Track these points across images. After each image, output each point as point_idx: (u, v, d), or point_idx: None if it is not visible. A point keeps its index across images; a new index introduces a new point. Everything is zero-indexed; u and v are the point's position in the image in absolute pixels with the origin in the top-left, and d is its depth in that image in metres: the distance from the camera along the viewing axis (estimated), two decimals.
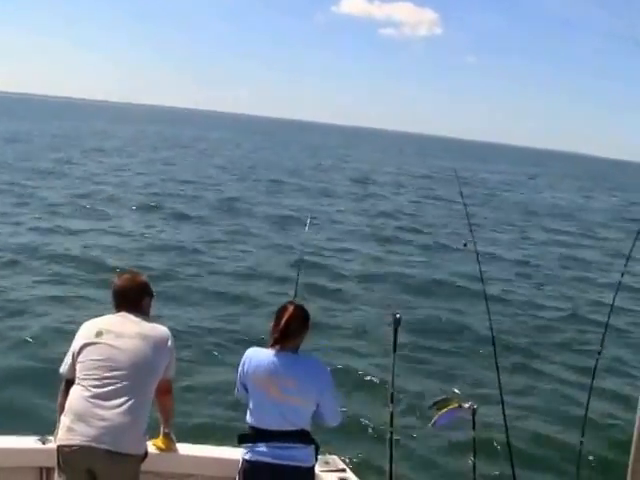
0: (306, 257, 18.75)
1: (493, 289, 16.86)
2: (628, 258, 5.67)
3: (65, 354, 4.27)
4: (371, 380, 10.38)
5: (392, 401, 4.88)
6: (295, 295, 5.31)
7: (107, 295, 13.72)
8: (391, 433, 4.83)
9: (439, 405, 4.57)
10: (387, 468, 4.78)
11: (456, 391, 7.92)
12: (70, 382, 4.18)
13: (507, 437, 4.81)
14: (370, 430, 8.60)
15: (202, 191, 33.15)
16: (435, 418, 4.58)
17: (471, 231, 5.47)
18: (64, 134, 71.83)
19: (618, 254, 26.19)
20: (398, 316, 4.87)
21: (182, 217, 25.21)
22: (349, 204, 34.18)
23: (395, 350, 4.89)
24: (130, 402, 4.01)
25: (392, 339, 4.90)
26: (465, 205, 5.74)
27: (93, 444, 3.92)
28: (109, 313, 4.38)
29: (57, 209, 24.10)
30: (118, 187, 31.60)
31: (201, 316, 13.25)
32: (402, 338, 5.05)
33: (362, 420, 8.78)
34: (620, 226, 37.40)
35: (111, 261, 16.77)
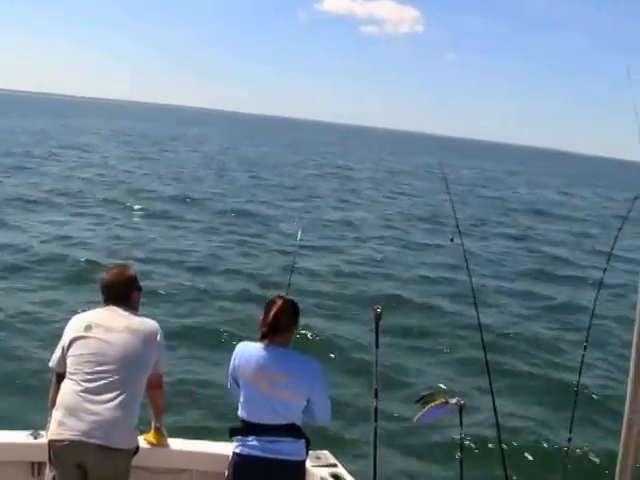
0: (282, 254, 18.80)
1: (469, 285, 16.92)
2: (610, 256, 5.72)
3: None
4: (355, 375, 10.38)
5: (376, 396, 4.87)
6: (287, 292, 5.28)
7: (64, 288, 13.46)
8: (375, 428, 4.83)
9: (425, 400, 4.55)
10: (372, 463, 4.78)
11: (442, 386, 7.99)
12: (61, 376, 4.17)
13: (498, 432, 4.83)
14: (354, 425, 8.61)
15: (172, 186, 33.05)
16: (420, 413, 4.55)
17: (457, 226, 5.49)
18: (53, 131, 71.31)
19: (593, 250, 26.47)
20: (379, 310, 4.84)
21: (148, 212, 25.07)
22: (326, 200, 34.14)
23: (377, 345, 4.87)
24: (121, 397, 4.01)
25: (374, 334, 4.88)
26: (452, 201, 5.74)
27: (84, 439, 3.92)
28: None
29: (24, 204, 23.94)
30: (88, 182, 31.45)
31: (168, 311, 13.18)
32: (385, 333, 5.04)
33: (346, 415, 8.79)
34: (590, 221, 37.87)
35: (71, 255, 16.68)
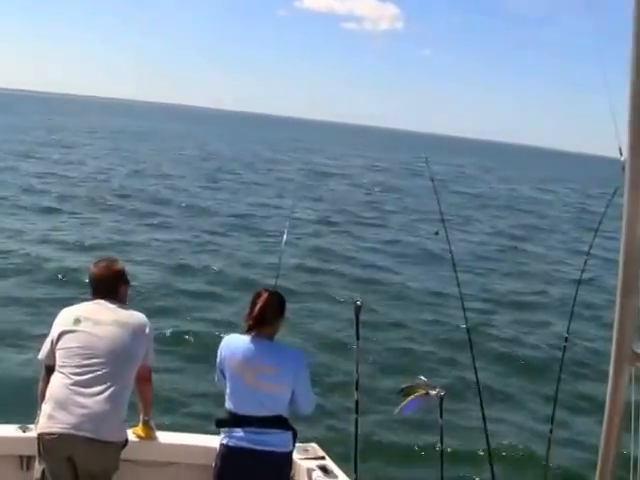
0: (256, 254, 18.79)
1: (446, 279, 17.19)
2: (589, 252, 5.79)
3: None
4: (336, 368, 10.44)
5: (357, 388, 4.89)
6: (275, 286, 5.27)
7: (17, 283, 13.02)
8: (357, 420, 4.84)
9: (406, 392, 4.57)
10: (352, 455, 4.80)
11: (423, 378, 8.01)
12: (50, 369, 4.17)
13: (484, 423, 4.86)
14: (336, 417, 8.65)
15: (136, 181, 32.94)
16: (401, 405, 4.58)
17: (442, 220, 5.53)
18: (33, 127, 70.40)
19: (566, 246, 26.74)
20: (359, 303, 4.85)
21: (109, 207, 24.91)
22: (299, 196, 33.88)
23: (358, 337, 4.89)
24: (110, 390, 4.01)
25: (355, 327, 4.89)
26: (437, 194, 5.78)
27: (73, 432, 3.92)
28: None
29: None
30: (52, 178, 31.18)
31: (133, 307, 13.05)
32: (366, 325, 5.05)
33: (327, 408, 8.82)
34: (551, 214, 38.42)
35: (25, 250, 16.51)
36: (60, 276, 14.02)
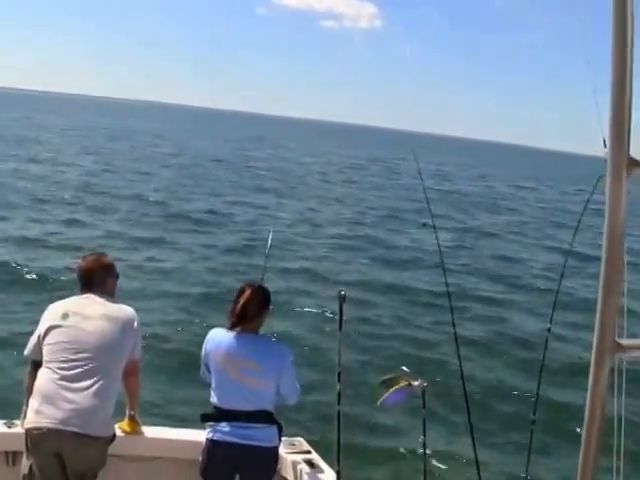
0: (232, 249, 18.76)
1: (426, 274, 17.34)
2: (571, 247, 5.85)
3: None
4: (318, 359, 10.45)
5: (339, 380, 4.89)
6: (263, 278, 5.29)
7: None
8: (339, 412, 4.86)
9: (388, 383, 4.56)
10: (335, 448, 4.82)
11: (405, 369, 8.09)
12: (37, 364, 4.15)
13: (468, 414, 4.89)
14: (318, 410, 8.66)
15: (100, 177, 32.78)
16: (383, 397, 4.57)
17: (431, 213, 5.58)
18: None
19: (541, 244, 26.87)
20: (343, 293, 4.82)
21: (71, 203, 24.53)
22: (277, 194, 33.94)
23: (341, 328, 4.87)
24: (98, 384, 4.00)
25: (338, 317, 4.88)
26: (424, 188, 5.83)
27: (61, 427, 3.91)
28: None
29: None
30: (13, 174, 30.74)
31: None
32: (349, 315, 5.05)
33: (310, 400, 8.82)
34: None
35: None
36: (20, 274, 13.55)
